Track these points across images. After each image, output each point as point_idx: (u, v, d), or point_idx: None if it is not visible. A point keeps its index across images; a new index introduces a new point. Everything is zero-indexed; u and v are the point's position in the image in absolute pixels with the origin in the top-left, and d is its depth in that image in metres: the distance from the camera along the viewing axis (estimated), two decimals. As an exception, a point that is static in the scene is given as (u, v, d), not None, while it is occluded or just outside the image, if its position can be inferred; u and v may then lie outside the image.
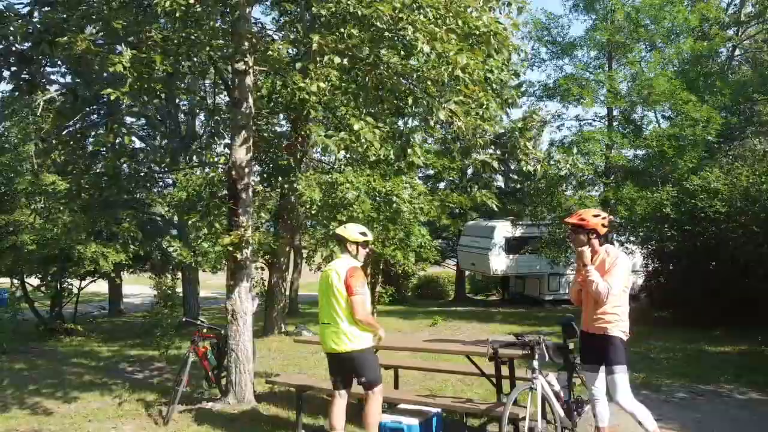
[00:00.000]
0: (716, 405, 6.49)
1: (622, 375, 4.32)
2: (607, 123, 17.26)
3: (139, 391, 7.75)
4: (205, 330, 7.19)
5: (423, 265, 17.60)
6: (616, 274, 4.36)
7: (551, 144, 18.47)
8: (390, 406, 5.83)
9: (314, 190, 10.16)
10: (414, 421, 5.18)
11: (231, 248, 6.55)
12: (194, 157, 14.41)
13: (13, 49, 6.11)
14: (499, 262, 21.18)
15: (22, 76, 6.28)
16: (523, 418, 4.56)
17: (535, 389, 4.50)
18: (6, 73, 6.21)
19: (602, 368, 4.49)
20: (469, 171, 25.86)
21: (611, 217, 4.74)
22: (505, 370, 5.45)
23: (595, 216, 4.56)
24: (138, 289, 25.32)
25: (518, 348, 4.80)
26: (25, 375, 9.33)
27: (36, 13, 6.14)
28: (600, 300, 4.35)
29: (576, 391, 4.97)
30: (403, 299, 24.67)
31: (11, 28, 5.77)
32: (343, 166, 10.82)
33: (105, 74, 7.03)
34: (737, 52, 19.38)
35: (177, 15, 5.09)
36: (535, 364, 4.58)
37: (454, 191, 23.12)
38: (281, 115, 11.87)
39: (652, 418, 4.42)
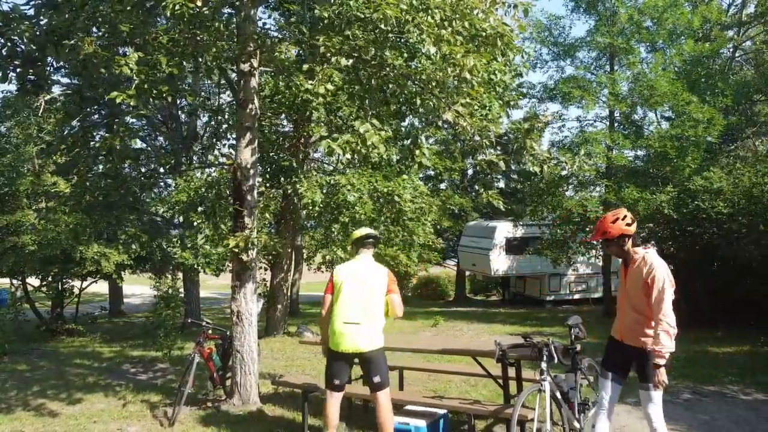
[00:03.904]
0: (722, 406, 6.51)
1: (658, 392, 4.05)
2: (608, 124, 17.26)
3: (143, 393, 7.75)
4: (210, 331, 7.18)
5: (425, 265, 17.63)
6: (662, 290, 3.95)
7: (552, 145, 18.46)
8: (396, 407, 5.83)
9: (315, 192, 10.17)
10: (421, 423, 5.19)
11: (237, 250, 6.55)
12: (195, 158, 14.43)
13: (19, 50, 6.10)
14: (500, 263, 21.23)
15: (28, 77, 6.27)
16: (531, 420, 4.56)
17: (544, 391, 4.48)
18: (11, 74, 6.21)
19: (623, 381, 4.31)
20: (470, 172, 25.93)
21: (627, 213, 4.22)
22: (511, 372, 5.46)
23: (614, 221, 4.15)
24: (138, 289, 25.33)
25: (526, 349, 4.79)
26: (28, 376, 9.33)
27: (42, 16, 6.13)
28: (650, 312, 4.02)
29: (583, 393, 4.96)
30: (404, 299, 24.67)
31: (17, 30, 5.77)
32: (344, 167, 10.82)
33: (106, 75, 7.04)
34: (738, 53, 19.42)
35: (185, 18, 5.09)
36: (544, 365, 4.56)
37: (455, 192, 23.19)
38: (283, 116, 11.88)
39: None
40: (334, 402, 4.84)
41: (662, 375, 3.96)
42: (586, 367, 4.99)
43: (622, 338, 4.26)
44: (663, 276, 4.00)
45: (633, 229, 4.17)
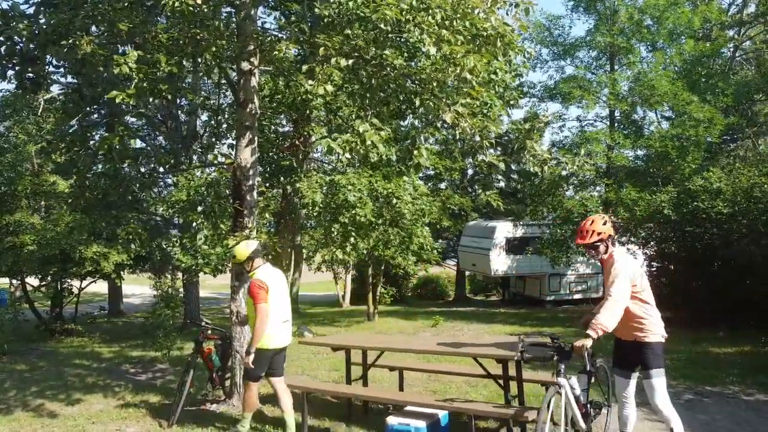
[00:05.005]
0: (723, 407, 6.48)
1: (659, 379, 4.24)
2: (608, 123, 17.26)
3: (142, 393, 7.73)
4: (209, 331, 7.15)
5: (424, 266, 17.58)
6: (615, 282, 4.20)
7: (552, 145, 18.47)
8: (396, 407, 5.81)
9: (316, 192, 10.12)
10: (421, 424, 5.16)
11: (236, 250, 6.51)
12: (194, 157, 14.39)
13: (18, 48, 6.07)
14: (500, 263, 21.20)
15: (27, 75, 6.24)
16: (533, 421, 4.53)
17: (561, 393, 4.40)
18: (10, 73, 6.18)
19: (634, 374, 4.44)
20: (470, 171, 25.91)
21: (607, 216, 4.56)
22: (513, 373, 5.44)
23: (604, 223, 4.44)
24: (138, 289, 25.28)
25: (548, 350, 4.66)
26: (27, 376, 9.30)
27: (42, 15, 6.10)
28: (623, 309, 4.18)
29: (590, 394, 4.90)
30: (404, 299, 24.68)
31: (17, 29, 5.74)
32: (344, 167, 10.77)
33: (105, 74, 7.02)
34: (738, 52, 19.42)
35: (185, 14, 5.06)
36: (562, 367, 4.48)
37: (456, 192, 23.17)
38: (282, 115, 11.84)
39: (683, 429, 4.33)
40: (256, 390, 5.60)
41: (583, 342, 4.10)
42: (598, 368, 4.93)
43: (620, 335, 4.48)
44: (619, 268, 4.23)
45: (613, 231, 4.53)
